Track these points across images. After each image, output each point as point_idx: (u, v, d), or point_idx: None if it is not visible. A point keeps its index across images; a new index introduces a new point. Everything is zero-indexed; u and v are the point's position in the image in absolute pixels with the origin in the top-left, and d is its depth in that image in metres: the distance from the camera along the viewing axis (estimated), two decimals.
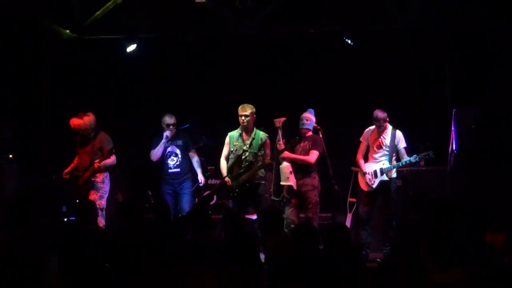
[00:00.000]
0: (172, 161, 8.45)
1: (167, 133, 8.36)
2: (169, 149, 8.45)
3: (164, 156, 8.44)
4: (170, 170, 8.45)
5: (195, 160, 8.57)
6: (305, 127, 7.92)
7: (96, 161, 7.87)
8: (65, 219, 8.58)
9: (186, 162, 8.50)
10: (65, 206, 8.71)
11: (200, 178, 8.58)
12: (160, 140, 8.41)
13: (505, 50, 8.76)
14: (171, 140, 8.45)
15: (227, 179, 7.93)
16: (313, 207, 7.75)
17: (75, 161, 8.20)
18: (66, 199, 8.57)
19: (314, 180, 7.83)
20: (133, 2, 8.70)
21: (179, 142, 8.50)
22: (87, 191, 7.92)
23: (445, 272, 2.80)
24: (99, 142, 8.02)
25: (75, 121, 8.01)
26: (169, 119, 8.41)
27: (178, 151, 8.46)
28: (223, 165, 8.02)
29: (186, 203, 8.37)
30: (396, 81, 9.68)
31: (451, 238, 2.78)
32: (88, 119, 7.99)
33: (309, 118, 7.95)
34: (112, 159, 7.99)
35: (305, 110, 8.05)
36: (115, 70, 9.92)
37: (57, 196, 8.86)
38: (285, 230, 7.56)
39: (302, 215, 7.94)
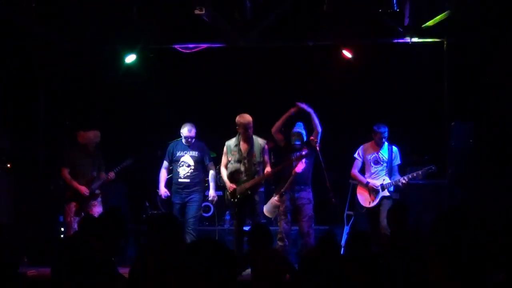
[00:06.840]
0: (183, 171, 8.03)
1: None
2: (183, 158, 8.07)
3: (177, 165, 8.11)
4: (179, 180, 8.04)
5: (212, 173, 8.17)
6: (297, 142, 7.86)
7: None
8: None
9: (198, 175, 8.09)
10: (62, 216, 8.64)
11: (211, 193, 8.12)
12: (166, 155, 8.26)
13: (503, 64, 8.76)
14: (187, 150, 8.11)
15: (230, 185, 7.79)
16: (308, 220, 7.68)
17: (66, 173, 8.09)
18: (63, 209, 8.49)
19: (309, 193, 7.79)
20: (132, 13, 8.68)
21: (195, 153, 8.09)
22: (90, 204, 8.08)
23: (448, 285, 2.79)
24: (101, 157, 8.26)
25: (85, 135, 8.10)
26: (187, 132, 8.06)
27: (191, 162, 8.05)
28: (224, 173, 7.90)
29: (191, 213, 7.97)
30: (394, 95, 9.68)
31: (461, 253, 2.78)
32: (97, 134, 8.15)
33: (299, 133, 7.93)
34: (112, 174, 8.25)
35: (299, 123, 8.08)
36: (112, 81, 9.89)
37: (54, 206, 8.87)
38: (279, 243, 7.57)
39: (295, 227, 7.92)
